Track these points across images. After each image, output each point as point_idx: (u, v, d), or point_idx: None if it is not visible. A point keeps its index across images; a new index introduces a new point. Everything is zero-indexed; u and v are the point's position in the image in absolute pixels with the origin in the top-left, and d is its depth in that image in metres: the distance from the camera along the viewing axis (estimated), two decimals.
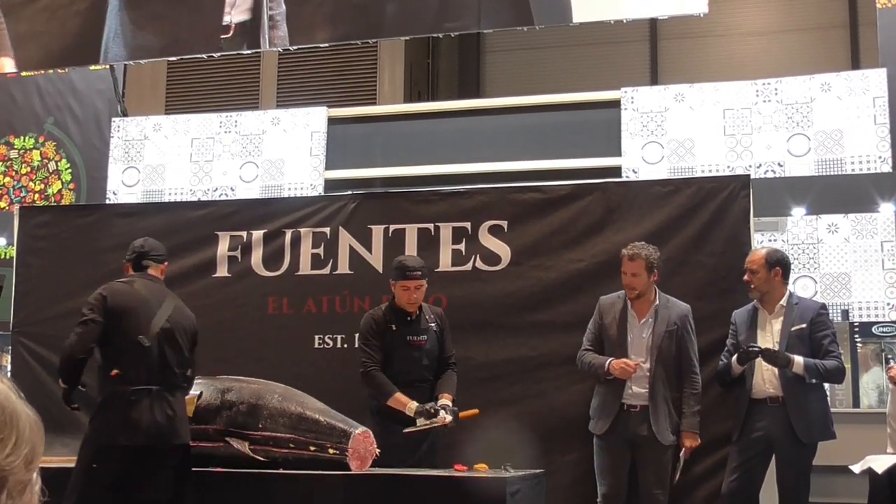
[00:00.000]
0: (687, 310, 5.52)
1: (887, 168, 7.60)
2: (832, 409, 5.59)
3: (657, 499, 5.39)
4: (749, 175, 6.28)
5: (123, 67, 9.51)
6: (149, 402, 4.79)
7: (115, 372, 4.83)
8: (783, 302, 5.42)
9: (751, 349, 5.23)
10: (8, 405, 1.09)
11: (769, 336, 5.36)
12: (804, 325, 5.32)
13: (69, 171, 9.61)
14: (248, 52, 8.21)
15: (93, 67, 8.96)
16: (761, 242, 7.83)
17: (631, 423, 5.41)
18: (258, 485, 5.01)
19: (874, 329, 7.73)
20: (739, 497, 5.27)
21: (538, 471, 5.31)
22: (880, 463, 4.66)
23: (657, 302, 5.51)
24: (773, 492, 5.41)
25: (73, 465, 4.82)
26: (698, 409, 5.40)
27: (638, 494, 5.46)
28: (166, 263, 5.39)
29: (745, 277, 5.46)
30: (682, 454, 5.38)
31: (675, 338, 5.44)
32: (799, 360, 5.17)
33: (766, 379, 5.29)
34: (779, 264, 5.44)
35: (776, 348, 5.24)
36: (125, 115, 9.66)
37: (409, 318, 5.51)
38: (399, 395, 5.32)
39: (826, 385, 5.51)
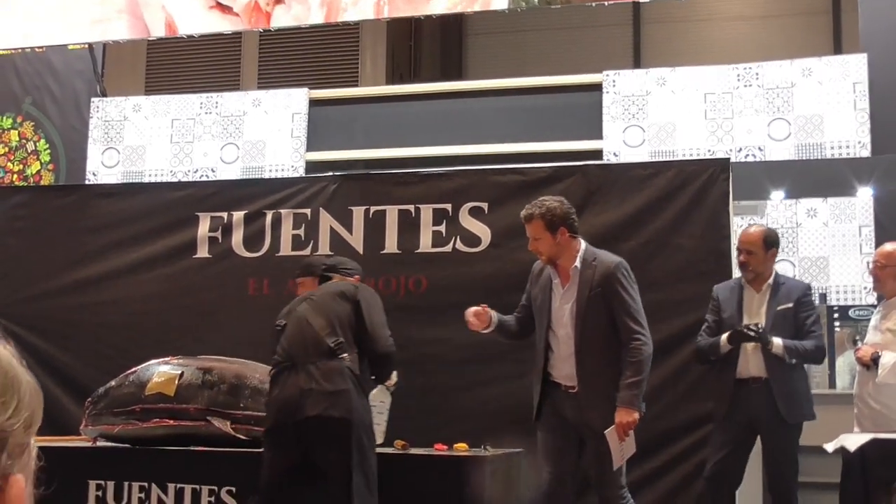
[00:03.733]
0: (614, 264, 4.73)
1: (866, 153, 7.65)
2: None
3: (605, 490, 4.75)
4: (728, 158, 6.31)
5: (103, 47, 9.44)
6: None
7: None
8: (770, 281, 5.40)
9: (747, 331, 5.16)
10: (10, 370, 1.13)
11: (755, 315, 5.33)
12: (790, 305, 5.30)
13: (48, 151, 9.54)
14: (230, 32, 8.17)
15: (71, 46, 8.89)
16: (741, 226, 7.87)
17: (567, 405, 4.75)
18: (240, 463, 5.03)
19: (851, 312, 7.80)
20: (725, 478, 5.27)
21: (517, 450, 5.34)
22: (852, 441, 4.71)
23: (577, 263, 4.76)
24: (756, 474, 5.45)
25: (48, 443, 4.84)
26: (636, 381, 4.57)
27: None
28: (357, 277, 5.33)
29: (741, 258, 5.39)
30: (608, 432, 4.56)
31: (602, 301, 4.66)
32: (778, 341, 5.17)
33: (750, 359, 5.28)
34: (775, 244, 5.43)
35: (761, 327, 5.23)
36: (104, 95, 9.60)
37: None
38: None
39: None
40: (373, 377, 5.03)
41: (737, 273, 5.62)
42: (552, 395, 4.81)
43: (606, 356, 4.67)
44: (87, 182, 9.14)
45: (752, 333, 5.15)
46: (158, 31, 7.69)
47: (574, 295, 4.74)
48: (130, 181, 9.03)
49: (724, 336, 5.26)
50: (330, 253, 5.98)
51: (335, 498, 4.61)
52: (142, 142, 9.36)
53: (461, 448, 5.27)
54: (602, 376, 4.66)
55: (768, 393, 5.20)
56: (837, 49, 11.28)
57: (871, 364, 5.12)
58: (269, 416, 4.75)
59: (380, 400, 5.24)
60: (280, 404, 4.66)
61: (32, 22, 7.85)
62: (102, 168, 9.36)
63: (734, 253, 5.68)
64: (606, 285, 4.68)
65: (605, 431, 4.58)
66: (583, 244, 4.86)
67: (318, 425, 4.57)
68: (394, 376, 5.26)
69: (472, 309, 4.89)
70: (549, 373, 4.81)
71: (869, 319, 5.99)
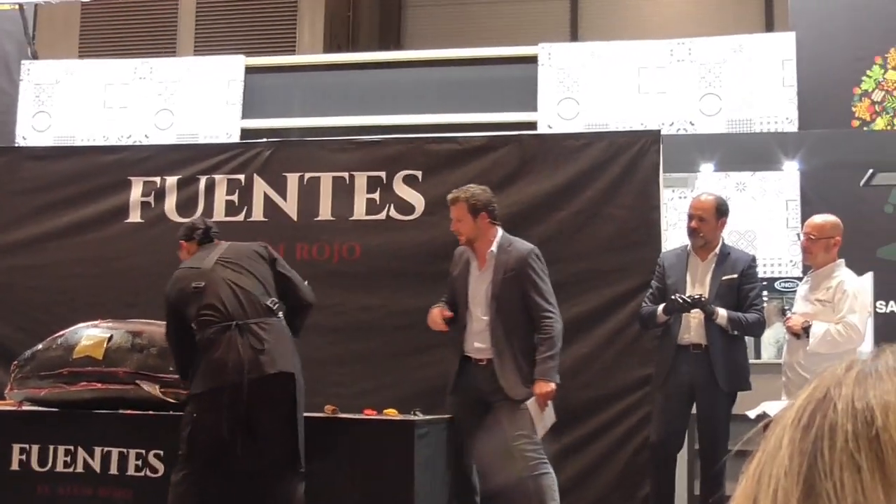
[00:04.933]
0: (527, 251, 5.18)
1: (793, 128, 7.81)
2: None
3: (513, 455, 5.02)
4: (659, 130, 6.40)
5: (34, 8, 9.27)
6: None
7: None
8: (717, 250, 5.45)
9: (681, 301, 5.20)
10: None
11: (700, 283, 5.38)
12: (735, 276, 5.35)
13: None
14: None
15: (1, 6, 8.72)
16: (671, 199, 8.01)
17: (480, 377, 5.15)
18: (169, 427, 5.02)
19: (777, 284, 7.98)
20: (669, 443, 5.36)
21: (446, 416, 5.40)
22: (774, 407, 4.84)
23: (494, 248, 5.20)
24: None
25: None
26: (550, 355, 5.02)
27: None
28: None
29: (692, 224, 5.41)
30: (530, 403, 5.00)
31: (515, 283, 5.11)
32: (722, 312, 5.22)
33: (692, 326, 5.34)
34: (726, 214, 5.49)
35: (706, 296, 5.28)
36: (35, 58, 9.43)
37: None
38: None
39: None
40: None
41: (672, 245, 5.69)
42: (465, 368, 5.21)
43: (516, 333, 5.13)
44: (16, 145, 8.98)
45: (686, 302, 5.22)
46: None
47: (490, 276, 5.17)
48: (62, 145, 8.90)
49: (661, 306, 5.35)
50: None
51: (281, 453, 4.66)
52: (74, 106, 9.22)
53: (391, 413, 5.32)
54: (512, 349, 5.10)
55: (707, 360, 5.29)
56: (769, 27, 11.46)
57: (802, 333, 5.24)
58: (214, 377, 4.61)
59: None
60: (231, 364, 4.56)
61: None
62: (33, 132, 9.21)
63: (664, 223, 5.76)
64: (520, 269, 5.12)
65: (527, 403, 5.00)
66: (500, 232, 5.27)
67: (276, 381, 4.60)
68: None
69: (436, 311, 5.25)
70: (463, 348, 5.22)
71: (794, 291, 6.13)
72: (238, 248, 5.02)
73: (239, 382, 4.53)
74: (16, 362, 5.49)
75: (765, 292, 8.33)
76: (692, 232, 5.46)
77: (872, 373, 0.72)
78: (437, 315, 5.26)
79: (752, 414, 5.06)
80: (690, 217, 5.49)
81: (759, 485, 0.72)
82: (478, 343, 5.16)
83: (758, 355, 7.41)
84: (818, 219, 5.52)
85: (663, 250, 5.85)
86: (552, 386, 5.01)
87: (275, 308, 4.78)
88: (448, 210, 5.88)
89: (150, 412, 5.23)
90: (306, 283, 5.08)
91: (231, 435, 4.56)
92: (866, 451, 0.67)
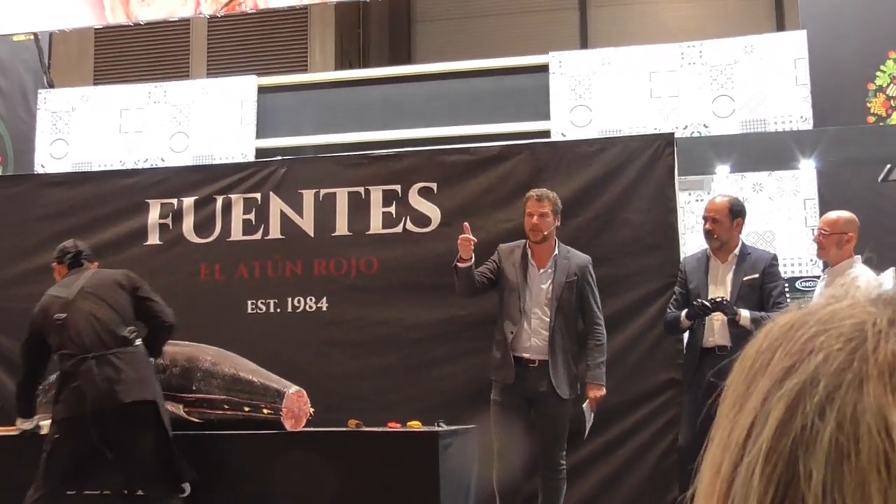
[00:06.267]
0: (587, 260, 5.45)
1: (808, 126, 7.78)
2: None
3: (554, 457, 5.28)
4: (673, 133, 6.38)
5: (49, 38, 9.36)
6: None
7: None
8: (736, 251, 5.44)
9: (703, 305, 5.20)
10: None
11: (721, 285, 5.38)
12: (756, 276, 5.34)
13: None
14: (177, 19, 8.14)
15: (16, 37, 8.81)
16: (688, 202, 7.99)
17: (530, 378, 5.27)
18: (194, 446, 5.04)
19: (798, 284, 7.93)
20: (697, 446, 5.32)
21: (470, 426, 5.40)
22: None
23: (557, 252, 5.43)
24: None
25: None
26: (602, 361, 5.32)
27: (537, 453, 5.33)
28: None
29: (707, 227, 5.44)
30: (585, 406, 5.29)
31: (576, 288, 5.35)
32: (745, 313, 5.19)
33: (715, 329, 5.32)
34: (741, 214, 5.47)
35: (727, 298, 5.26)
36: (51, 86, 9.51)
37: None
38: None
39: None
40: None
41: (690, 249, 5.67)
42: (516, 371, 5.26)
43: (570, 335, 5.34)
44: (35, 173, 9.05)
45: (707, 306, 5.20)
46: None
47: (551, 277, 5.35)
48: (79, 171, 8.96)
49: (683, 312, 5.34)
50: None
51: (147, 476, 4.88)
52: (90, 132, 9.29)
53: (415, 426, 5.32)
54: (568, 352, 5.31)
55: (732, 361, 5.25)
56: (780, 26, 11.43)
57: None
58: (72, 405, 4.82)
59: None
60: (89, 394, 4.77)
61: None
62: (51, 159, 9.29)
63: (681, 227, 5.75)
64: (581, 275, 5.37)
65: (583, 405, 5.28)
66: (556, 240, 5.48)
67: (134, 410, 4.77)
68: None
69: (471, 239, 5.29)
70: (514, 349, 5.29)
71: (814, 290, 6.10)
72: (101, 276, 5.19)
73: (98, 411, 4.74)
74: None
75: (786, 292, 8.30)
76: (707, 234, 5.47)
77: None
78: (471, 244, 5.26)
79: None
80: (705, 219, 5.51)
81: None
82: (535, 340, 5.30)
83: None
84: (832, 215, 5.51)
85: (681, 253, 5.84)
86: (604, 390, 5.30)
87: (131, 337, 4.96)
88: (464, 220, 5.91)
89: (176, 432, 5.23)
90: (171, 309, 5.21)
91: (93, 459, 4.80)
92: None
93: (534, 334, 5.30)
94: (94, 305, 4.98)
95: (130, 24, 7.81)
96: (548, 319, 5.30)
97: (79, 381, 4.81)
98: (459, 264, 5.27)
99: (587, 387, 5.31)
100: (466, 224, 5.36)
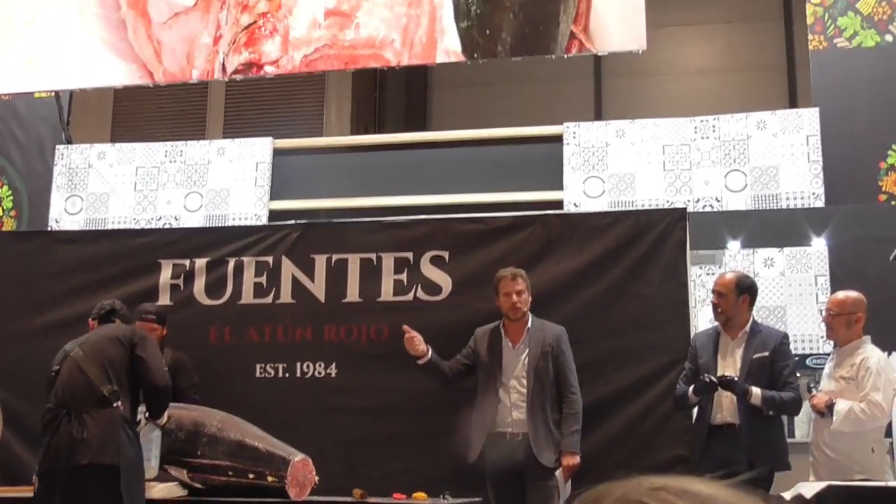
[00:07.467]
0: (561, 330, 5.58)
1: (820, 204, 7.80)
2: None
3: None
4: (685, 208, 6.40)
5: (69, 94, 9.46)
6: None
7: None
8: (747, 328, 5.43)
9: (709, 381, 5.18)
10: None
11: (730, 362, 5.35)
12: (766, 354, 5.32)
13: (11, 197, 9.51)
14: (196, 81, 8.23)
15: (37, 94, 8.92)
16: (699, 276, 7.98)
17: (515, 451, 5.38)
18: None
19: (808, 361, 7.88)
20: None
21: (475, 499, 5.35)
22: (809, 489, 4.75)
23: (530, 325, 5.59)
24: None
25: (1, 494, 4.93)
26: (577, 429, 5.40)
27: None
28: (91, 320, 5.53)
29: (713, 300, 5.46)
30: (558, 474, 5.32)
31: (551, 358, 5.49)
32: (757, 391, 5.17)
33: (724, 406, 5.30)
34: (748, 291, 5.47)
35: (737, 375, 5.24)
36: (69, 142, 9.60)
37: None
38: None
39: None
40: (146, 413, 5.19)
41: (701, 323, 5.67)
42: (496, 444, 5.40)
43: (548, 404, 5.46)
44: (49, 228, 9.10)
45: (713, 382, 5.18)
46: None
47: (526, 350, 5.52)
48: (93, 228, 9.01)
49: (691, 388, 5.31)
50: (163, 303, 5.91)
51: None
52: (106, 189, 9.35)
53: (420, 497, 5.27)
54: (547, 422, 5.42)
55: (741, 440, 5.22)
56: (792, 103, 11.51)
57: (826, 412, 5.17)
58: (45, 460, 4.88)
59: (148, 438, 5.26)
60: (54, 451, 4.82)
61: None
62: (65, 215, 9.34)
63: (692, 301, 5.74)
64: (556, 346, 5.51)
65: (557, 472, 5.31)
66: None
67: (90, 472, 4.76)
68: (165, 416, 5.30)
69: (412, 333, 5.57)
70: (492, 423, 5.45)
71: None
72: (106, 331, 5.22)
73: (59, 469, 4.78)
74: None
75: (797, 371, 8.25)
76: (713, 308, 5.49)
77: None
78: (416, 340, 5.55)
79: (787, 496, 4.97)
80: (712, 293, 5.50)
81: None
82: (515, 414, 5.42)
83: (791, 434, 7.29)
84: (840, 294, 5.50)
85: (693, 327, 5.83)
86: (578, 459, 5.35)
87: (110, 397, 4.92)
88: (475, 290, 6.00)
89: (180, 497, 5.20)
90: (166, 369, 5.21)
91: None
92: None
93: (514, 408, 5.45)
94: (85, 360, 5.00)
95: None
96: (525, 391, 5.44)
97: (52, 435, 4.86)
98: (418, 362, 5.57)
99: (562, 455, 5.36)
100: (405, 326, 5.60)
